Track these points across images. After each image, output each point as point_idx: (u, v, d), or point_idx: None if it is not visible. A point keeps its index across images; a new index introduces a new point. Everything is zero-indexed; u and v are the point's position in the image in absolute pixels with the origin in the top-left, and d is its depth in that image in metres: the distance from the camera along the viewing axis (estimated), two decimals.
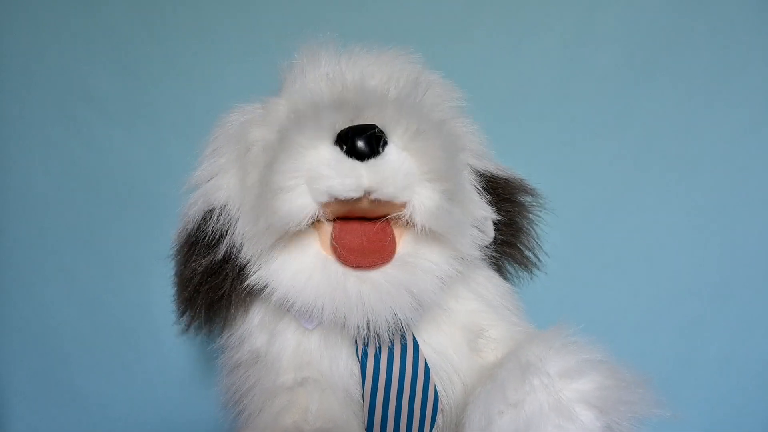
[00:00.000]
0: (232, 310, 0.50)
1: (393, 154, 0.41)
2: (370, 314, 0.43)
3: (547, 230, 0.58)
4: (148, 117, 0.79)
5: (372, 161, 0.41)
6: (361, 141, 0.40)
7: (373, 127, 0.40)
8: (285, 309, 0.47)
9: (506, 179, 0.53)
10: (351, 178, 0.41)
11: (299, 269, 0.44)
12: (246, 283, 0.47)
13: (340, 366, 0.47)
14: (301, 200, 0.42)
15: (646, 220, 0.77)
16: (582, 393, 0.39)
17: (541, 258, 0.57)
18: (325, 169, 0.41)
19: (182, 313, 0.53)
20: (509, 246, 0.53)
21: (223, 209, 0.49)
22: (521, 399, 0.40)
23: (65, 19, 0.80)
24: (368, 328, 0.43)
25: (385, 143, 0.41)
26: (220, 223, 0.48)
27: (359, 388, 0.47)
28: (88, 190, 0.80)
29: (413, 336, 0.47)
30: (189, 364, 0.80)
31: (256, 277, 0.46)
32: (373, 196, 0.42)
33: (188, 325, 0.53)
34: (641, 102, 0.76)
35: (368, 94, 0.44)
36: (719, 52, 0.74)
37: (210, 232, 0.48)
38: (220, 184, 0.50)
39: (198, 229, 0.49)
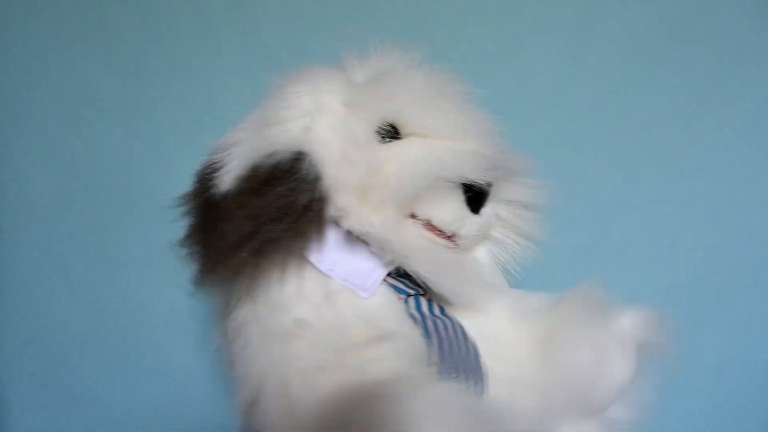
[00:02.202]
0: (270, 267, 0.45)
1: (488, 210, 0.49)
2: (458, 283, 0.46)
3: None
4: (148, 117, 0.79)
5: (478, 216, 0.48)
6: (481, 203, 0.47)
7: (488, 192, 0.47)
8: (345, 273, 0.45)
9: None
10: (457, 223, 0.47)
11: (395, 223, 0.46)
12: (344, 226, 0.44)
13: (408, 323, 0.46)
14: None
15: (645, 220, 0.77)
16: (630, 332, 0.48)
17: None
18: (438, 206, 0.47)
19: (231, 254, 0.45)
20: None
21: (315, 156, 0.45)
22: (593, 337, 0.46)
23: (65, 19, 0.80)
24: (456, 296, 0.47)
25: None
26: (306, 170, 0.45)
27: (425, 337, 0.46)
28: (88, 190, 0.81)
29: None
30: (189, 363, 0.80)
31: (351, 222, 0.44)
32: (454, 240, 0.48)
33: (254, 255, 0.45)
34: (641, 102, 0.76)
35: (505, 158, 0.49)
36: (719, 52, 0.74)
37: (291, 178, 0.45)
38: (312, 127, 0.47)
39: (276, 170, 0.45)
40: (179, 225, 0.55)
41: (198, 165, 0.52)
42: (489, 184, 0.47)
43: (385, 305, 0.46)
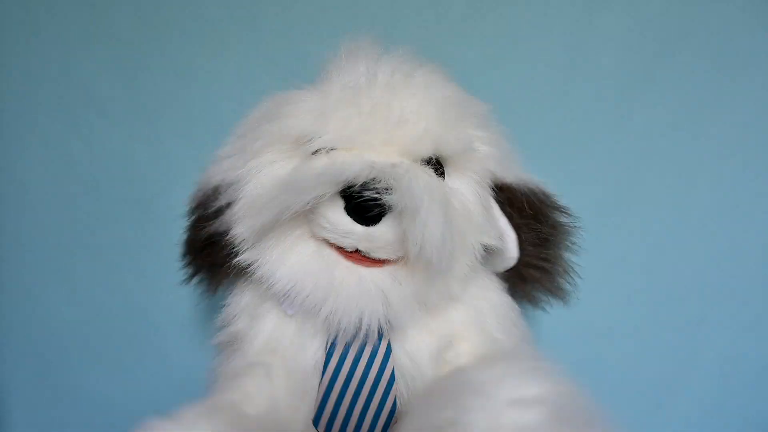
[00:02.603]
0: (223, 281, 0.52)
1: (389, 224, 0.43)
2: (342, 307, 0.43)
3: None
4: (148, 117, 0.79)
5: (369, 228, 0.43)
6: (363, 213, 0.42)
7: (377, 199, 0.41)
8: (267, 289, 0.47)
9: (530, 196, 0.51)
10: (345, 238, 0.43)
11: (288, 249, 0.45)
12: (233, 261, 0.47)
13: (307, 356, 0.47)
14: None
15: (646, 220, 0.77)
16: (528, 425, 0.35)
17: (572, 285, 0.54)
18: (323, 221, 0.43)
19: (185, 266, 0.55)
20: (535, 269, 0.52)
21: (232, 188, 0.49)
22: (456, 418, 0.37)
23: (66, 19, 0.80)
24: (339, 321, 0.44)
25: (388, 210, 0.42)
26: (226, 200, 0.48)
27: (318, 380, 0.47)
28: (88, 191, 0.80)
29: (389, 342, 0.47)
30: (189, 364, 0.80)
31: (245, 255, 0.47)
32: (364, 254, 0.44)
33: (190, 277, 0.55)
34: (641, 102, 0.75)
35: (387, 169, 0.42)
36: (719, 53, 0.74)
37: (216, 206, 0.49)
38: (236, 164, 0.50)
39: (208, 199, 0.50)
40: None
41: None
42: (376, 195, 0.41)
43: (300, 330, 0.48)
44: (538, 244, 0.51)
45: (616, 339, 0.77)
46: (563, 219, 0.53)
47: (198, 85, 0.78)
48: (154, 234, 0.78)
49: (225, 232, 0.48)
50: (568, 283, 0.54)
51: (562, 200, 0.55)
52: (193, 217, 0.53)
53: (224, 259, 0.49)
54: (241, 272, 0.49)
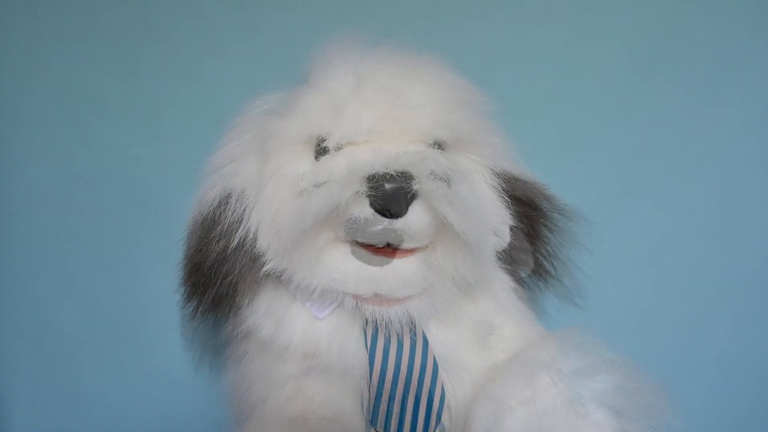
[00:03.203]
0: (238, 298, 0.50)
1: (418, 212, 0.42)
2: (385, 300, 0.44)
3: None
4: (149, 118, 0.79)
5: (399, 220, 0.42)
6: (391, 205, 0.41)
7: (402, 189, 0.40)
8: (302, 295, 0.47)
9: (526, 182, 0.52)
10: (376, 235, 0.42)
11: (320, 253, 0.45)
12: (262, 270, 0.46)
13: (349, 356, 0.47)
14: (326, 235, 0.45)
15: (645, 220, 0.77)
16: (597, 392, 0.39)
17: (557, 268, 0.56)
18: (350, 222, 0.42)
19: (189, 298, 0.52)
20: (524, 252, 0.53)
21: (240, 196, 0.48)
22: (533, 396, 0.39)
23: (66, 19, 0.80)
24: (384, 316, 0.44)
25: (414, 198, 0.41)
26: (236, 210, 0.47)
27: (367, 379, 0.47)
28: (88, 191, 0.80)
29: (423, 332, 0.47)
30: (189, 363, 0.80)
31: (273, 264, 0.46)
32: (395, 246, 0.44)
33: (195, 311, 0.52)
34: (641, 102, 0.76)
35: (408, 157, 0.42)
36: (719, 52, 0.74)
37: (226, 219, 0.48)
38: (238, 169, 0.49)
39: (213, 214, 0.49)
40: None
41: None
42: (401, 185, 0.41)
43: (336, 330, 0.47)
44: (528, 231, 0.52)
45: (616, 338, 0.77)
46: (552, 209, 0.54)
47: (198, 85, 0.78)
48: (154, 234, 0.78)
49: (240, 246, 0.47)
50: (553, 266, 0.56)
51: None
52: (200, 236, 0.50)
53: (240, 275, 0.47)
54: (257, 283, 0.48)
